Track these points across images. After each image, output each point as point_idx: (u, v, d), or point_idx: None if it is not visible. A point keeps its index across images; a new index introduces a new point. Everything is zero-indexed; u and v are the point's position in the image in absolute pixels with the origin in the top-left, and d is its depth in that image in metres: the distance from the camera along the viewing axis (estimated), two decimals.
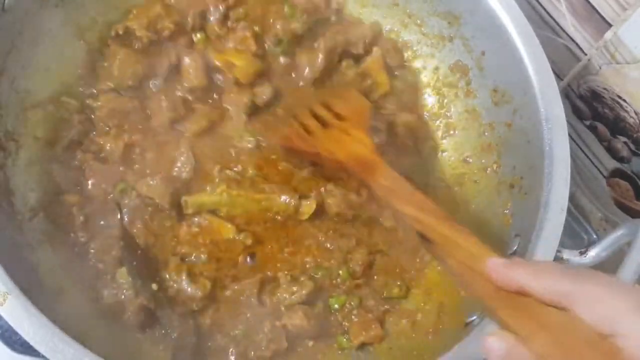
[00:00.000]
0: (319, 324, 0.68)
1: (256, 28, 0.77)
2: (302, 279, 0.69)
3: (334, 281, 0.71)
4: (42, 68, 0.69)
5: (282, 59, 0.78)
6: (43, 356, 0.50)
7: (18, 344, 0.58)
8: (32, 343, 0.49)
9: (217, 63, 0.75)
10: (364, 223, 0.74)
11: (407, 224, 0.57)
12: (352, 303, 0.70)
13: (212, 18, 0.77)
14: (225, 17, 0.77)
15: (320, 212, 0.72)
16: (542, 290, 0.40)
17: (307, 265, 0.71)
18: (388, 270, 0.73)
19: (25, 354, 0.57)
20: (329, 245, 0.72)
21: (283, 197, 0.70)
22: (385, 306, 0.71)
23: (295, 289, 0.68)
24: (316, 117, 0.71)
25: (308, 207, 0.70)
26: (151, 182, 0.68)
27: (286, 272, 0.70)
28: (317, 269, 0.71)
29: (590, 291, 0.37)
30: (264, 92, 0.76)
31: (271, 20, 0.78)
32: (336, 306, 0.70)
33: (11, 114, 0.66)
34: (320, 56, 0.76)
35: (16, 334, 0.50)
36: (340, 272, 0.71)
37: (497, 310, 0.42)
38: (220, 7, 0.77)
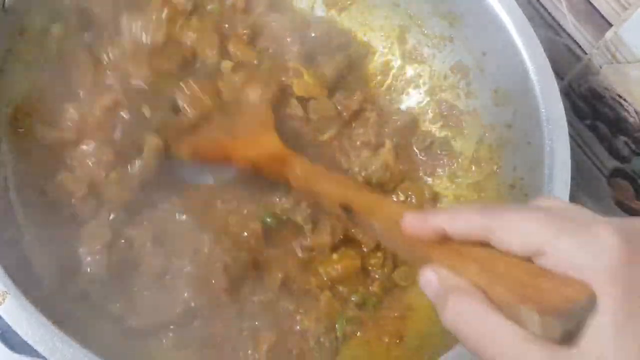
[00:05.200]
0: None
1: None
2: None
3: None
4: None
5: None
6: (42, 356, 0.49)
7: (17, 343, 0.57)
8: (31, 343, 0.49)
9: None
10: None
11: (329, 205, 0.59)
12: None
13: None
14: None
15: None
16: (460, 230, 0.40)
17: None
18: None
19: (25, 353, 0.57)
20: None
21: None
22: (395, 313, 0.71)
23: None
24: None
25: None
26: None
27: None
28: None
29: (505, 221, 0.37)
30: None
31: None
32: (354, 299, 0.70)
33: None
34: None
35: (15, 334, 0.49)
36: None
37: (428, 258, 0.42)
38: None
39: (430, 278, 0.40)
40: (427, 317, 0.70)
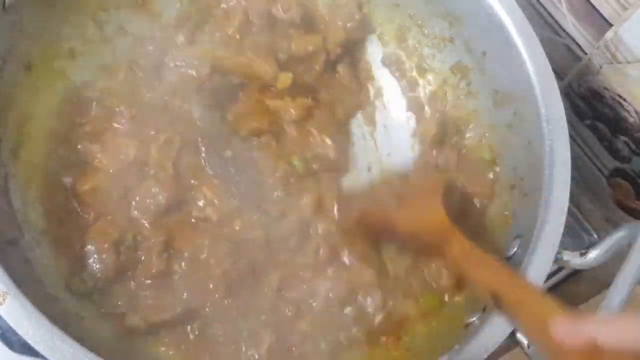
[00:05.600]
0: None
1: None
2: None
3: None
4: None
5: None
6: (43, 356, 0.50)
7: (18, 344, 0.58)
8: (31, 343, 0.49)
9: None
10: None
11: (479, 290, 0.60)
12: None
13: None
14: None
15: None
16: (613, 341, 0.39)
17: None
18: None
19: (25, 354, 0.57)
20: None
21: None
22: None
23: None
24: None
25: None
26: None
27: None
28: None
29: None
30: None
31: None
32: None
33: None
34: None
35: (16, 334, 0.50)
36: None
37: None
38: None
39: None
40: (426, 317, 0.70)
